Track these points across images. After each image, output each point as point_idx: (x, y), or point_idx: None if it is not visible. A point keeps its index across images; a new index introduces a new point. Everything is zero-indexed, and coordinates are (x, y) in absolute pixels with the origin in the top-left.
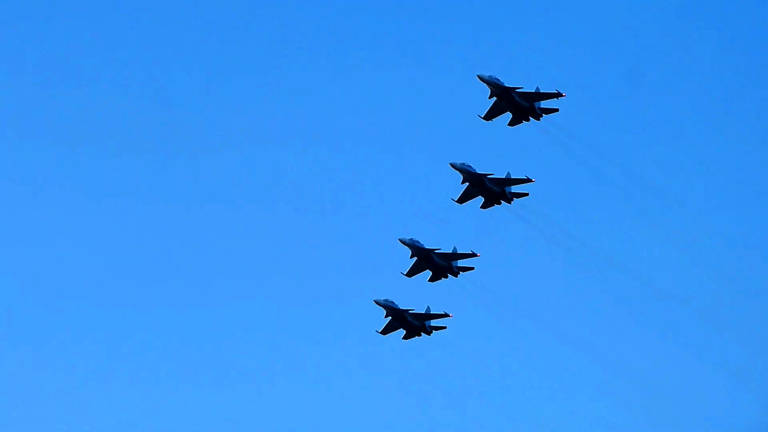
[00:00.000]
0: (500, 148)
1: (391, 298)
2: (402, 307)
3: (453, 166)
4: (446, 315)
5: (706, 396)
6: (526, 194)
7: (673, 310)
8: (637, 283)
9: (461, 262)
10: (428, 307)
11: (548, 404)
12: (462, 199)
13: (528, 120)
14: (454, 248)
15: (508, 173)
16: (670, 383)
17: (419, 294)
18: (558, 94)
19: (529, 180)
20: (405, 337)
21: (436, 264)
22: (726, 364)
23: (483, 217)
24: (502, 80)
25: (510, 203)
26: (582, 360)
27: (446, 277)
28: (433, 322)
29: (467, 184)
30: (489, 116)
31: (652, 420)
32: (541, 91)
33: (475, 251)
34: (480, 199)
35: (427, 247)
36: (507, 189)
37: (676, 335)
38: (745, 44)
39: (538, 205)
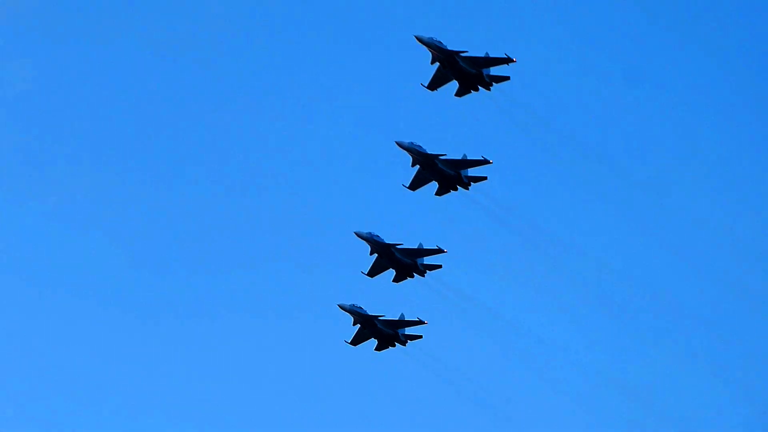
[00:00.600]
0: (449, 123)
1: (354, 302)
2: (370, 312)
3: (400, 145)
4: (421, 322)
5: (686, 398)
6: (485, 178)
7: (646, 303)
8: (606, 273)
9: (427, 260)
10: (402, 314)
11: (526, 409)
12: (414, 185)
13: (477, 90)
14: (420, 244)
15: (465, 155)
16: (646, 381)
17: (385, 296)
18: (508, 60)
19: (486, 161)
20: (377, 348)
21: (400, 262)
22: (702, 359)
23: (439, 205)
24: (444, 43)
25: (467, 189)
26: (558, 360)
27: (412, 276)
28: (408, 330)
29: (418, 166)
30: (433, 85)
31: (632, 424)
32: (489, 56)
33: (440, 246)
34: (434, 185)
35: (387, 242)
36: (463, 172)
37: (648, 329)
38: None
39: (497, 189)
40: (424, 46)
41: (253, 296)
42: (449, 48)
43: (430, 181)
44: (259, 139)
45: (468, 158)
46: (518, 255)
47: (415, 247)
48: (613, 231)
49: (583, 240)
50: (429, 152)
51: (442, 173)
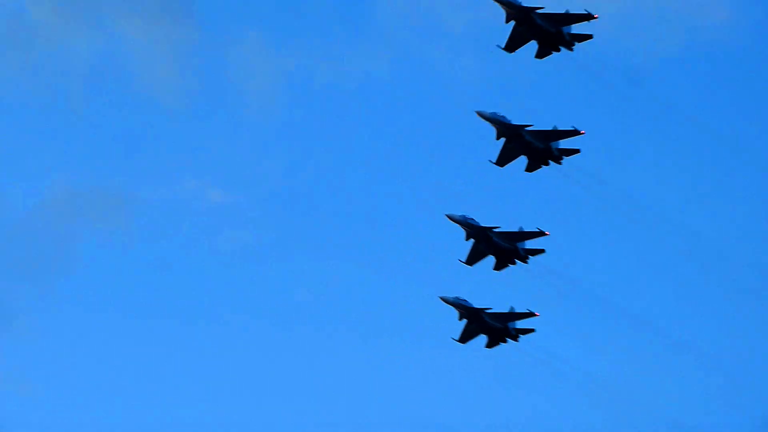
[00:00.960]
0: (531, 88)
1: (456, 294)
2: (476, 305)
3: (482, 115)
4: (532, 314)
5: None
6: (577, 151)
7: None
8: (717, 248)
9: (528, 244)
10: (512, 307)
11: (647, 407)
12: (502, 161)
13: (558, 50)
14: (520, 228)
15: (555, 126)
16: None
17: (487, 286)
18: (589, 16)
19: (577, 132)
20: (488, 345)
21: (499, 247)
22: None
23: (530, 181)
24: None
25: (559, 163)
26: (681, 352)
27: (513, 263)
28: (518, 324)
29: (503, 139)
30: (511, 46)
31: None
32: (569, 12)
33: (541, 229)
34: (523, 160)
35: (483, 225)
36: (553, 145)
37: None
38: None
39: (592, 162)
40: (497, 3)
41: (345, 292)
42: (523, 4)
43: (519, 155)
44: (338, 128)
45: (558, 129)
46: (622, 234)
47: (515, 230)
48: (723, 203)
49: (691, 215)
50: (514, 123)
51: (529, 146)
